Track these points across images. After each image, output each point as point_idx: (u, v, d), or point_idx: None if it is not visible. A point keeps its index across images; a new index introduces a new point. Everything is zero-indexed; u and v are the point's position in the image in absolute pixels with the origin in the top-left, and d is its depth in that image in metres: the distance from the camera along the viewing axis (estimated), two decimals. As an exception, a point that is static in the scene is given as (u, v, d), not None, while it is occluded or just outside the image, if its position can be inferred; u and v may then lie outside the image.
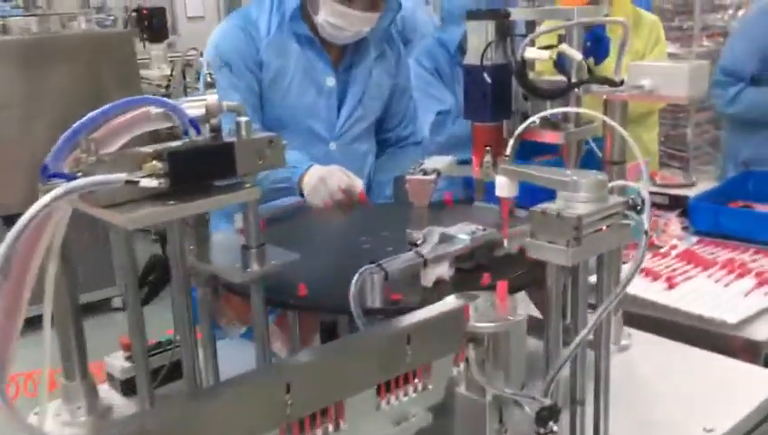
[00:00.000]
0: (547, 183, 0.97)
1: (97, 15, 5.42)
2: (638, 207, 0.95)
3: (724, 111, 2.48)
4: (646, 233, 0.94)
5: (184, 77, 4.36)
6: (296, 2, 1.78)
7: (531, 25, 1.43)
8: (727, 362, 1.34)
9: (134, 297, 1.14)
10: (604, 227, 0.92)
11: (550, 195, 0.97)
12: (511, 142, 1.16)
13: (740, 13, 4.82)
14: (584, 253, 0.92)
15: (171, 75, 4.52)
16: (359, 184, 1.67)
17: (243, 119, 0.98)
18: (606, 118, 1.26)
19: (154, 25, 5.01)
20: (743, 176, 2.27)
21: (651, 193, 2.21)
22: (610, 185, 0.97)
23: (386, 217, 1.59)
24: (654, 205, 2.19)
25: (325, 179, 1.65)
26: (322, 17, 1.77)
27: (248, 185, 0.98)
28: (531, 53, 1.28)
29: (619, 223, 0.94)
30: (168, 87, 4.51)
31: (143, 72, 5.18)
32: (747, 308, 1.51)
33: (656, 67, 1.23)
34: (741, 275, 1.67)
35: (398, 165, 1.86)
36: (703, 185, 2.30)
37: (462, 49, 2.38)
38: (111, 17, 5.56)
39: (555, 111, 1.28)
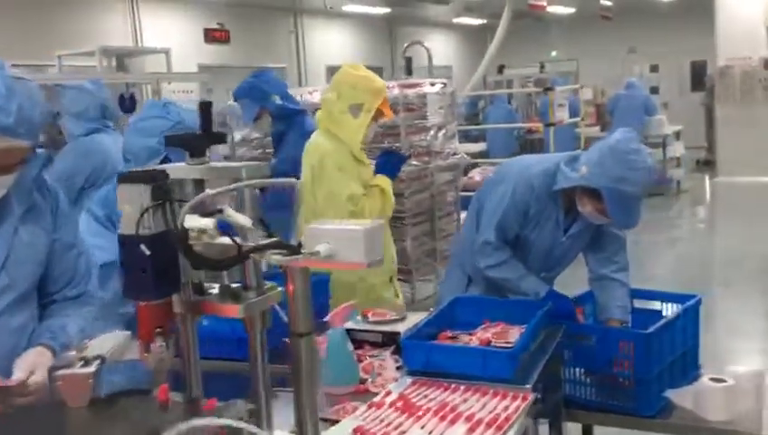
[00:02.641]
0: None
1: None
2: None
3: (482, 269, 2.55)
4: None
5: None
6: None
7: (199, 184, 1.28)
8: None
9: None
10: None
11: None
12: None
13: (440, 133, 5.27)
14: None
15: None
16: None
17: None
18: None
19: None
20: (451, 304, 2.31)
21: (365, 331, 2.17)
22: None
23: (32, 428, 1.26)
24: (368, 343, 2.12)
25: None
26: None
27: None
28: (192, 221, 1.11)
29: None
30: None
31: None
32: (460, 464, 1.44)
33: (332, 231, 1.13)
34: (453, 422, 1.61)
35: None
36: (415, 317, 2.29)
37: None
38: None
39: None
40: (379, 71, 13.69)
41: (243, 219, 1.17)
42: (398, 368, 1.96)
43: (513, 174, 2.55)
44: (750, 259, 6.96)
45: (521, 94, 12.60)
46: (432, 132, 5.17)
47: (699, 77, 15.36)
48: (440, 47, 17.58)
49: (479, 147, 9.55)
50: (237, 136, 5.10)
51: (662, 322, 2.27)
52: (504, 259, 2.52)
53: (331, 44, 14.22)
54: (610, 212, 2.31)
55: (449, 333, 2.11)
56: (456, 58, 17.91)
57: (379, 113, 3.03)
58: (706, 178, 11.83)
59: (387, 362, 1.97)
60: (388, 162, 3.14)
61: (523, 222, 2.51)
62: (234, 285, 1.23)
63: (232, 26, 11.70)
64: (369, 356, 2.02)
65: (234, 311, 1.18)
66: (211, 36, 11.42)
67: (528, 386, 1.79)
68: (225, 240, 1.16)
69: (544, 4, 10.88)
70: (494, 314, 2.25)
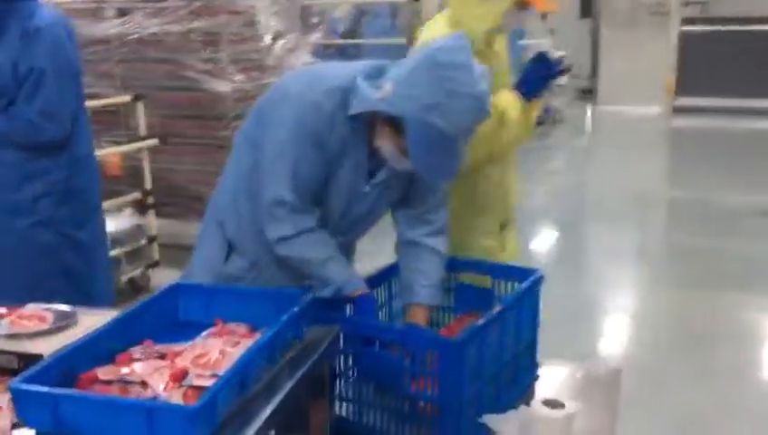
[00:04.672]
0: None
1: None
2: None
3: (272, 242, 1.72)
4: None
5: None
6: None
7: None
8: None
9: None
10: None
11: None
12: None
13: (278, 44, 4.36)
14: None
15: None
16: None
17: None
18: None
19: None
20: (168, 294, 1.50)
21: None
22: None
23: None
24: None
25: None
26: None
27: None
28: None
29: None
30: None
31: None
32: None
33: None
34: None
35: None
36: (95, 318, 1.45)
37: None
38: None
39: None
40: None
41: None
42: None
43: (296, 94, 1.70)
44: (623, 192, 6.61)
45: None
46: (266, 42, 4.25)
47: (588, 4, 14.93)
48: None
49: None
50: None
51: (482, 321, 1.56)
52: (305, 228, 1.69)
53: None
54: (411, 152, 1.55)
55: (137, 353, 1.31)
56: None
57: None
58: (588, 107, 11.50)
59: (2, 411, 1.15)
60: (531, 74, 2.20)
61: (324, 165, 1.70)
62: None
63: None
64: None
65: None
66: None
67: (218, 469, 1.03)
68: None
69: None
70: (232, 310, 1.48)
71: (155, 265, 4.14)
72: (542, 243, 5.38)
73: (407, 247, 1.82)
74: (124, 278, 3.99)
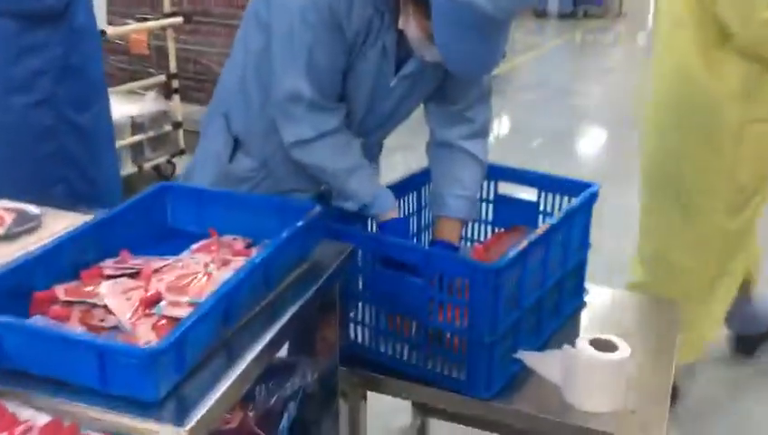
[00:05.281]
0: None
1: None
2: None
3: (288, 145, 1.45)
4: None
5: None
6: None
7: None
8: None
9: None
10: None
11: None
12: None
13: None
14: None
15: None
16: None
17: None
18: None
19: None
20: (154, 195, 1.28)
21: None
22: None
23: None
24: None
25: None
26: None
27: None
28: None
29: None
30: None
31: None
32: None
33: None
34: None
35: None
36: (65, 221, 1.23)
37: None
38: None
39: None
40: None
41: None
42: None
43: None
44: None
45: None
46: None
47: None
48: None
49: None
50: None
51: (524, 243, 1.31)
52: (327, 130, 1.42)
53: None
54: (438, 37, 1.25)
55: (108, 268, 1.09)
56: None
57: None
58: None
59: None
60: None
61: (344, 53, 1.41)
62: None
63: None
64: None
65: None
66: None
67: (184, 428, 0.82)
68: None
69: None
70: (230, 219, 1.26)
71: (180, 153, 3.93)
72: (592, 147, 5.02)
73: (440, 150, 1.56)
74: (147, 166, 3.80)
